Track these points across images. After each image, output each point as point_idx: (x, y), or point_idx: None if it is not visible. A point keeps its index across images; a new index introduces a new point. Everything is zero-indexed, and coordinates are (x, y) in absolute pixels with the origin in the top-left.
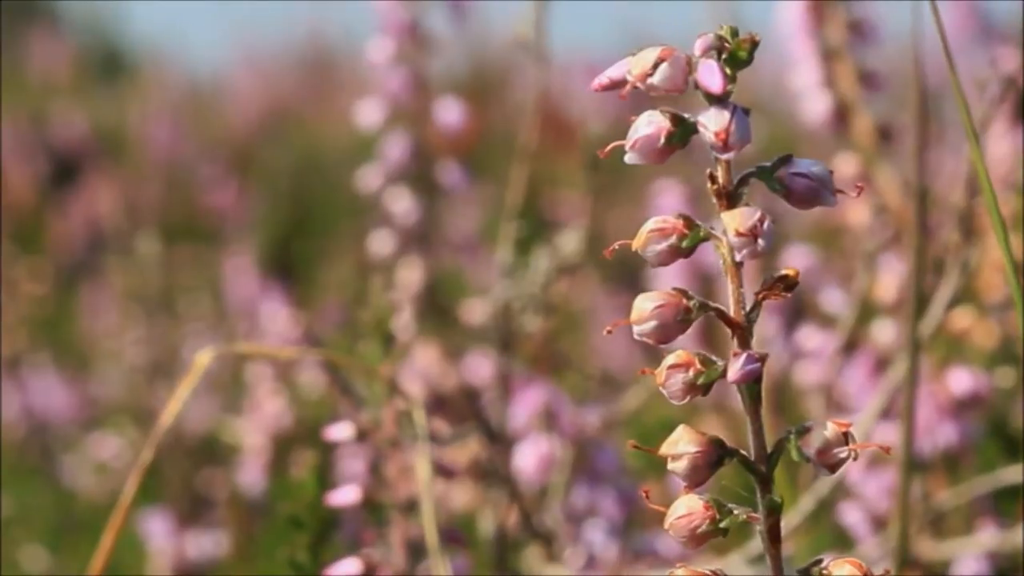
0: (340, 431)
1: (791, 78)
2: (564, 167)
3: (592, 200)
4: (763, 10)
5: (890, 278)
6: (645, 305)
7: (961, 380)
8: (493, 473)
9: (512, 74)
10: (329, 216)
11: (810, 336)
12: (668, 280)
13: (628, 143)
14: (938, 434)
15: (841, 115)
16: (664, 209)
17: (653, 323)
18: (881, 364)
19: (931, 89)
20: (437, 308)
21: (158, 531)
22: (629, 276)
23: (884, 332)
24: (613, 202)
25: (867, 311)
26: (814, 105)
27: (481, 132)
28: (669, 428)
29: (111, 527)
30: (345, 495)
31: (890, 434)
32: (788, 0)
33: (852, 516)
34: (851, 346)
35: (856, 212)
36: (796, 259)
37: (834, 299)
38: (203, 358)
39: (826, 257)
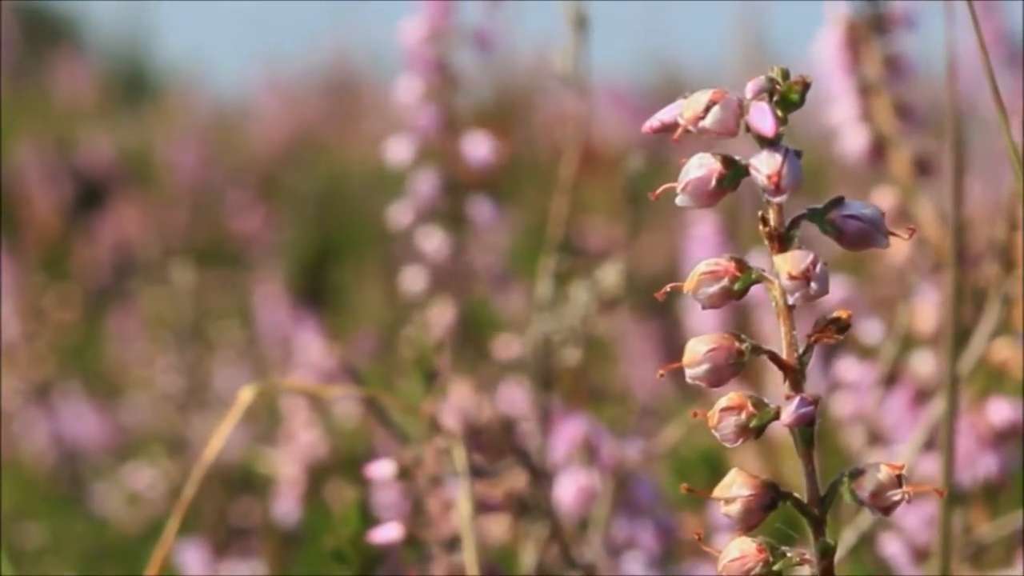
0: (382, 469)
1: (828, 114)
2: (591, 193)
3: (631, 233)
4: (788, 34)
5: (929, 309)
6: (698, 348)
7: (1001, 411)
8: (534, 506)
9: (536, 99)
10: (355, 241)
11: (849, 368)
12: (701, 311)
13: (679, 185)
14: (978, 465)
15: (879, 149)
16: (700, 238)
17: (706, 366)
18: (920, 396)
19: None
20: (470, 341)
21: (193, 561)
22: (657, 303)
23: (923, 364)
24: (642, 228)
25: (904, 342)
26: (852, 140)
27: (506, 159)
28: (707, 460)
29: (154, 563)
30: (388, 532)
31: (929, 466)
32: (824, 37)
33: (892, 547)
34: (891, 378)
35: (895, 244)
36: (833, 291)
37: (872, 330)
38: (246, 394)
39: (857, 284)
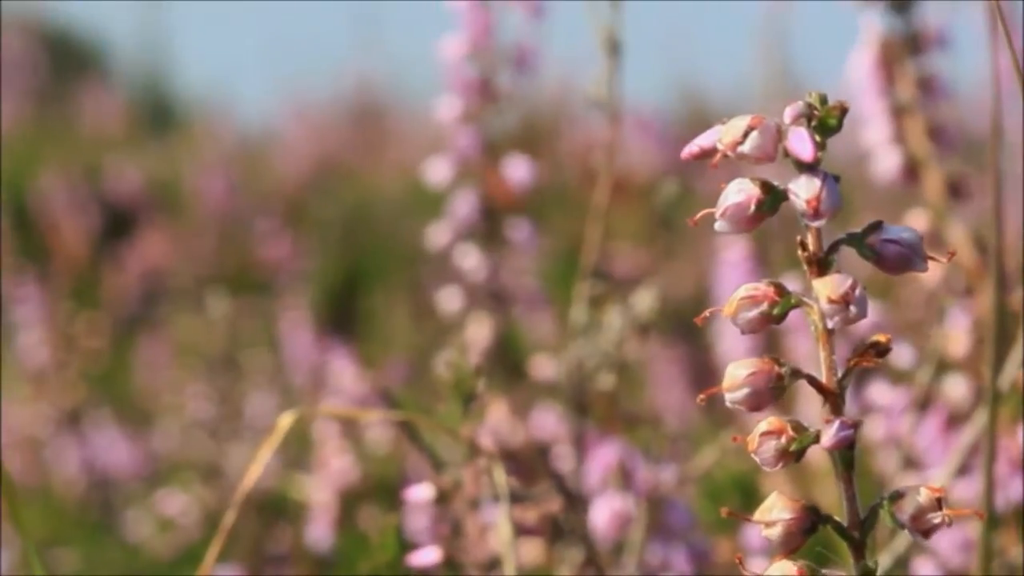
0: (420, 492)
1: (860, 136)
2: (618, 219)
3: (662, 257)
4: (813, 61)
5: (961, 334)
6: (738, 372)
7: None
8: (569, 530)
9: (562, 126)
10: (383, 267)
11: (882, 392)
12: (733, 335)
13: (718, 211)
14: (1010, 489)
15: (911, 171)
16: (731, 263)
17: (746, 390)
18: (953, 420)
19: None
20: (505, 363)
21: None
22: (686, 328)
23: (956, 388)
24: (671, 254)
25: (936, 366)
26: (884, 162)
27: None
28: (739, 485)
29: None
30: (426, 556)
31: (963, 490)
32: (857, 57)
33: (926, 570)
34: (925, 402)
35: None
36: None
37: (903, 354)
38: (285, 420)
39: (885, 308)
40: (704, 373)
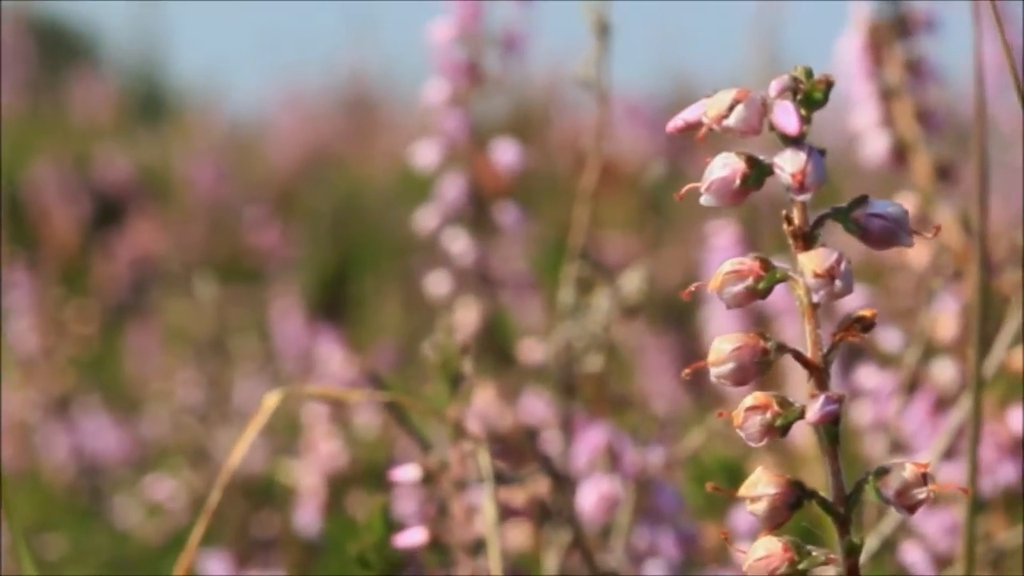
0: (406, 473)
1: (850, 119)
2: (608, 207)
3: (650, 241)
4: (804, 51)
5: (949, 317)
6: (723, 347)
7: (1020, 419)
8: (557, 513)
9: (551, 114)
10: (373, 255)
11: (869, 376)
12: (721, 322)
13: (703, 185)
14: (998, 473)
15: (900, 154)
16: (719, 249)
17: (731, 365)
18: (940, 403)
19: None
20: (493, 348)
21: (216, 572)
22: (675, 316)
23: (944, 371)
24: (660, 242)
25: (924, 350)
26: (873, 145)
27: (523, 172)
28: (726, 468)
29: (179, 569)
30: (412, 536)
31: (950, 474)
32: (846, 40)
33: (913, 555)
34: (912, 386)
35: (916, 251)
36: (852, 298)
37: (891, 338)
38: (271, 400)
39: (874, 295)
40: (693, 361)
